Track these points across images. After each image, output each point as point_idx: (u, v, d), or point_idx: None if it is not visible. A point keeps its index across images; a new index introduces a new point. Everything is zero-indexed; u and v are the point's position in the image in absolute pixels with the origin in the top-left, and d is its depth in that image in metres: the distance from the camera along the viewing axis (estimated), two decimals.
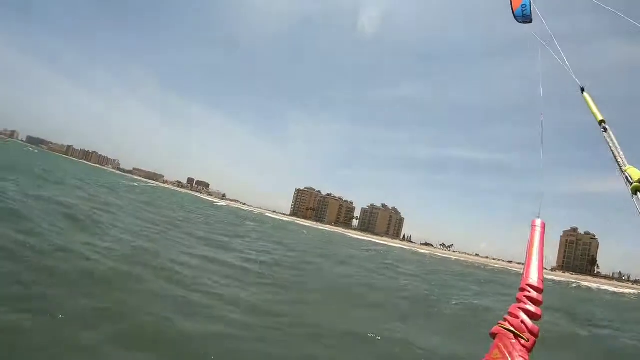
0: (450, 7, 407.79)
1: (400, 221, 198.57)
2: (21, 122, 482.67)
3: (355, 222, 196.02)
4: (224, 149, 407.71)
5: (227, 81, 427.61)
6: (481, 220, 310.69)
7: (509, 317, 1.20)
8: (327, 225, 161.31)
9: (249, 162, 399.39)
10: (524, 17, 4.15)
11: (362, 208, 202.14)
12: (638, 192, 1.44)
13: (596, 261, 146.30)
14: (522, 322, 1.15)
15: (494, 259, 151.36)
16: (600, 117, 1.99)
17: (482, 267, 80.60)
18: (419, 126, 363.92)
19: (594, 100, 2.19)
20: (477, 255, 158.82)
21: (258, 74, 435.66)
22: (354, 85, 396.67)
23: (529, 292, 1.24)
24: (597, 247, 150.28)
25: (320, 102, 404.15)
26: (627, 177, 1.51)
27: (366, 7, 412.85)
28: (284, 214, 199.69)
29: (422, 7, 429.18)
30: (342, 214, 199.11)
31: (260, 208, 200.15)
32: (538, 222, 1.53)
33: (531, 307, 1.20)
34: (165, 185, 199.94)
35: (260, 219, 73.12)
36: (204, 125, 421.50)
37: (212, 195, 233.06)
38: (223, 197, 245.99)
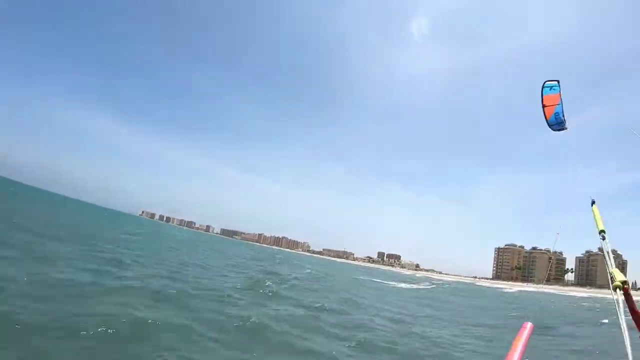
0: None
1: (623, 265, 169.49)
2: (215, 218, 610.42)
3: (569, 276, 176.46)
4: (407, 219, 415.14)
5: (396, 151, 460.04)
6: None
7: None
8: (545, 286, 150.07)
9: (435, 229, 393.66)
10: (559, 125, 4.68)
11: (577, 257, 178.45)
12: (617, 289, 1.91)
13: None
14: None
15: None
16: (601, 227, 2.67)
17: None
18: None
19: (599, 213, 2.86)
20: None
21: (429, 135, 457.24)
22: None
23: None
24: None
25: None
26: (611, 277, 2.02)
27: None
28: (486, 278, 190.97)
29: None
30: (553, 268, 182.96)
31: (459, 275, 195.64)
32: (528, 325, 1.82)
33: None
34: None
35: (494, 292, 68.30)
36: (384, 199, 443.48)
37: (404, 268, 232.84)
38: (417, 267, 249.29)
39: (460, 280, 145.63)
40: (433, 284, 69.73)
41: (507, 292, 75.61)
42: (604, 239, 2.52)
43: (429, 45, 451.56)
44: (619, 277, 1.94)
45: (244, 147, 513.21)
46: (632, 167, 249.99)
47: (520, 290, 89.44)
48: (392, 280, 59.84)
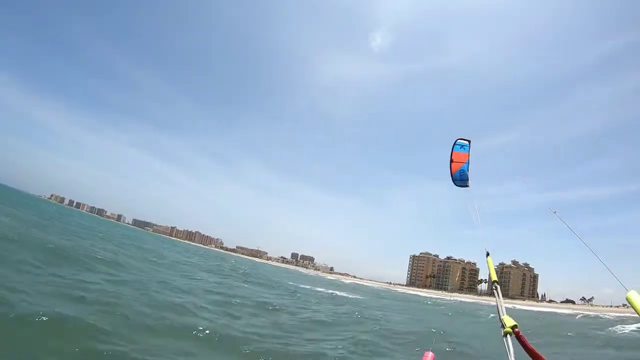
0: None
1: (535, 278, 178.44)
2: (128, 207, 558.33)
3: (483, 286, 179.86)
4: (325, 222, 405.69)
5: (314, 154, 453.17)
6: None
7: None
8: (456, 294, 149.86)
9: (353, 233, 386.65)
10: (462, 182, 4.53)
11: None
12: (508, 335, 1.89)
13: None
14: None
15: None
16: (495, 278, 2.67)
17: None
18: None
19: (493, 264, 2.94)
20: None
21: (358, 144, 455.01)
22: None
23: None
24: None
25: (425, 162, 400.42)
26: (502, 324, 1.98)
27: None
28: (400, 284, 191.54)
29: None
30: (466, 278, 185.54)
31: (374, 280, 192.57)
32: (429, 355, 1.86)
33: None
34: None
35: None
36: (301, 200, 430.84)
37: (319, 270, 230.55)
38: (331, 270, 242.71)
39: (384, 287, 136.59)
40: (373, 293, 63.79)
41: (447, 303, 70.17)
42: (496, 289, 2.59)
43: (366, 58, 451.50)
44: (508, 323, 1.98)
45: (161, 136, 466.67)
46: (534, 189, 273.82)
47: (462, 301, 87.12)
48: (332, 289, 52.90)
